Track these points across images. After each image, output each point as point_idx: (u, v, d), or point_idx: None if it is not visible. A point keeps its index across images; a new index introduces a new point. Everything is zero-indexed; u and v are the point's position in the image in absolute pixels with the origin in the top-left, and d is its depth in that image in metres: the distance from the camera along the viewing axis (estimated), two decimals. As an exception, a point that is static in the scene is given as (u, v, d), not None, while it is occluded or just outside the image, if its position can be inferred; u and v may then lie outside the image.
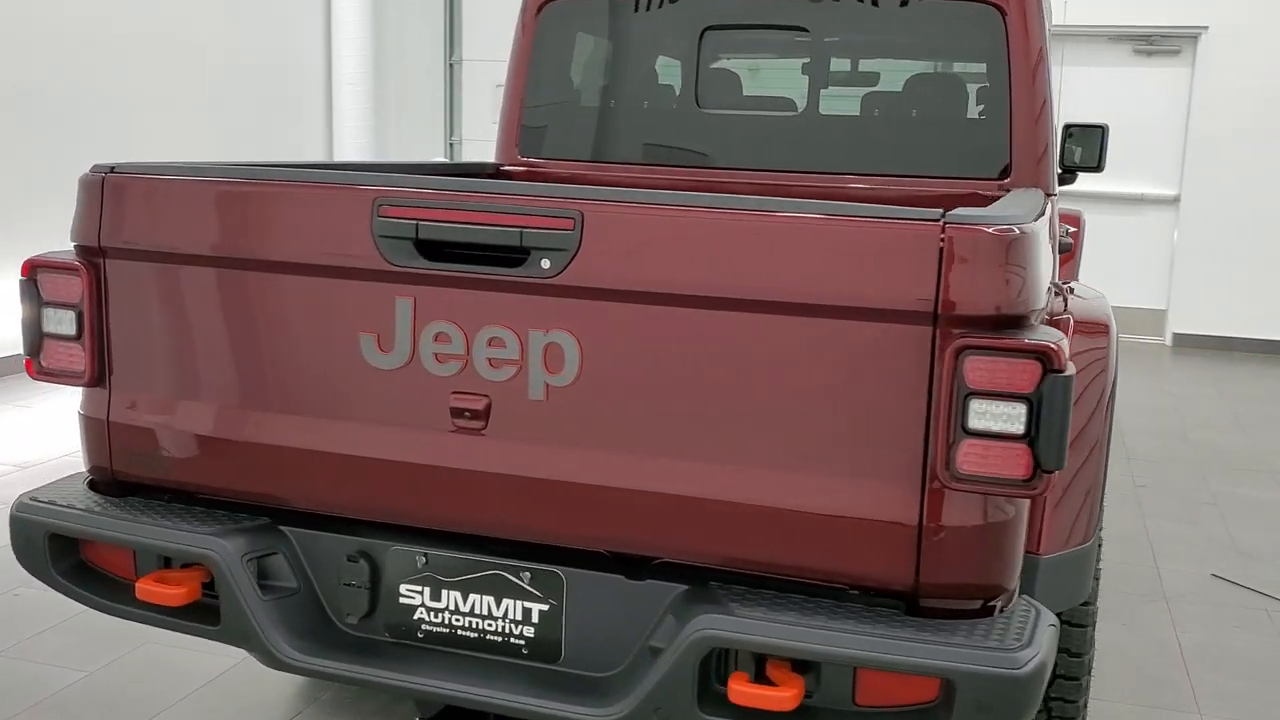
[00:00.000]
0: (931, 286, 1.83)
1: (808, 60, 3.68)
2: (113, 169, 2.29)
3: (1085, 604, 2.64)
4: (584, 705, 2.04)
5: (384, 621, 2.24)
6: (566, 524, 2.09)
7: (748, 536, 1.99)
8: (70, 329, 2.32)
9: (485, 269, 2.04)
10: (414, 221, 2.05)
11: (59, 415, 6.14)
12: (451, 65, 11.67)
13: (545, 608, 2.14)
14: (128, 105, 7.80)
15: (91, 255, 2.31)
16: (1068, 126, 3.98)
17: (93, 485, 2.44)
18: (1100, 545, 2.81)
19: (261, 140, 9.07)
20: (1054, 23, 5.46)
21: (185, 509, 2.34)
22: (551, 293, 2.01)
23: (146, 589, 2.23)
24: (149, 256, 2.27)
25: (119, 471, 2.38)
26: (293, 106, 9.64)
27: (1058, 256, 2.89)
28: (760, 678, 1.95)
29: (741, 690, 1.90)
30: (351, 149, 9.98)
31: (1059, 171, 3.76)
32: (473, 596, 2.18)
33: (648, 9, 3.72)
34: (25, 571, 2.39)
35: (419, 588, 2.21)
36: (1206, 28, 9.80)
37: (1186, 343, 10.21)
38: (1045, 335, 1.83)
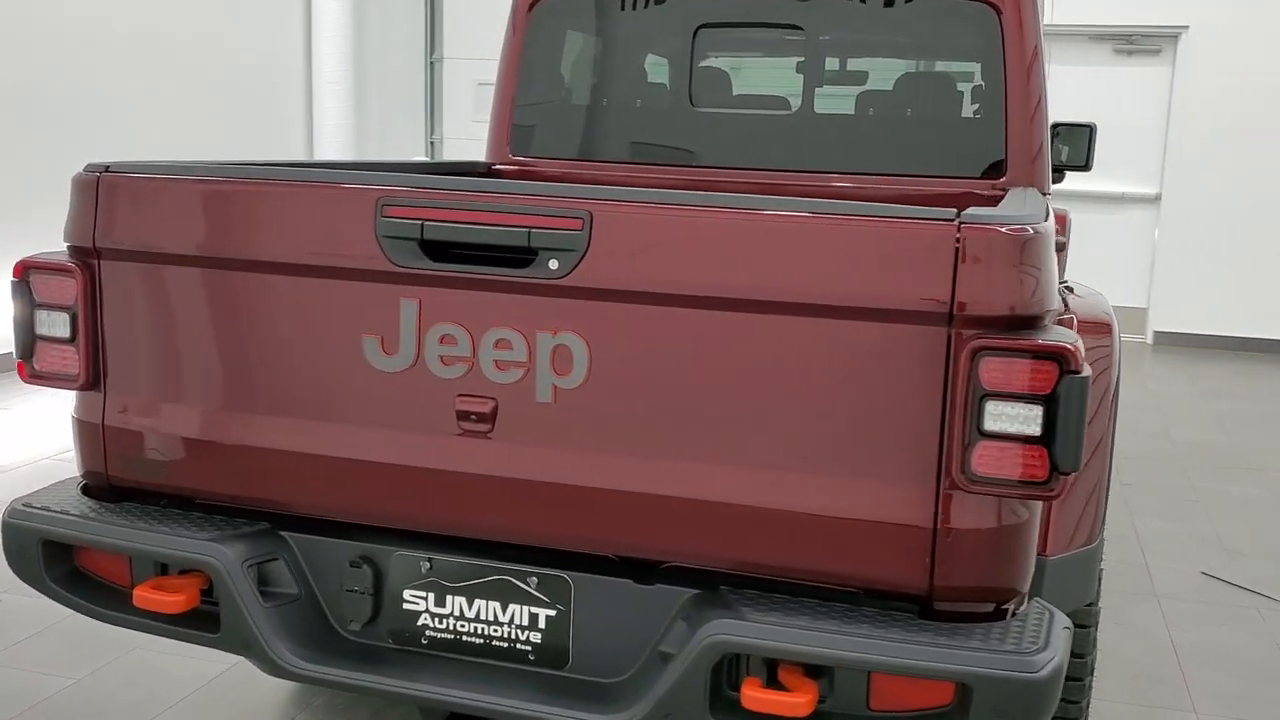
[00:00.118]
0: (947, 287, 1.81)
1: (802, 59, 3.67)
2: (108, 168, 2.25)
3: (1089, 605, 2.63)
4: (593, 711, 2.01)
5: (387, 628, 2.20)
6: (574, 528, 2.06)
7: (759, 540, 1.97)
8: (64, 331, 2.28)
9: (492, 270, 2.00)
10: (419, 221, 2.02)
11: (39, 417, 6.07)
12: (432, 63, 11.61)
13: (552, 613, 2.11)
14: (102, 104, 7.71)
15: (86, 256, 2.27)
16: (1054, 126, 3.98)
17: (86, 490, 2.39)
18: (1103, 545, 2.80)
19: (240, 139, 8.98)
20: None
21: (182, 514, 2.30)
22: (560, 294, 1.98)
23: (145, 596, 2.19)
24: (145, 257, 2.23)
25: (114, 476, 2.34)
26: (273, 104, 9.56)
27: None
28: (772, 683, 1.93)
29: (755, 696, 1.88)
30: (332, 147, 9.91)
31: (1047, 170, 3.76)
32: (478, 602, 2.15)
33: (645, 6, 3.69)
34: (10, 577, 2.34)
35: (423, 593, 2.17)
36: (1187, 27, 9.85)
37: (1167, 341, 10.26)
38: (1062, 336, 1.82)
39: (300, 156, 9.85)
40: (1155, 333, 10.32)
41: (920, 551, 1.90)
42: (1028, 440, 1.80)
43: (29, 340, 2.30)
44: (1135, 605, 4.25)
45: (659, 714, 1.94)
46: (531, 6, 3.79)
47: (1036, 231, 1.85)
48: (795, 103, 3.66)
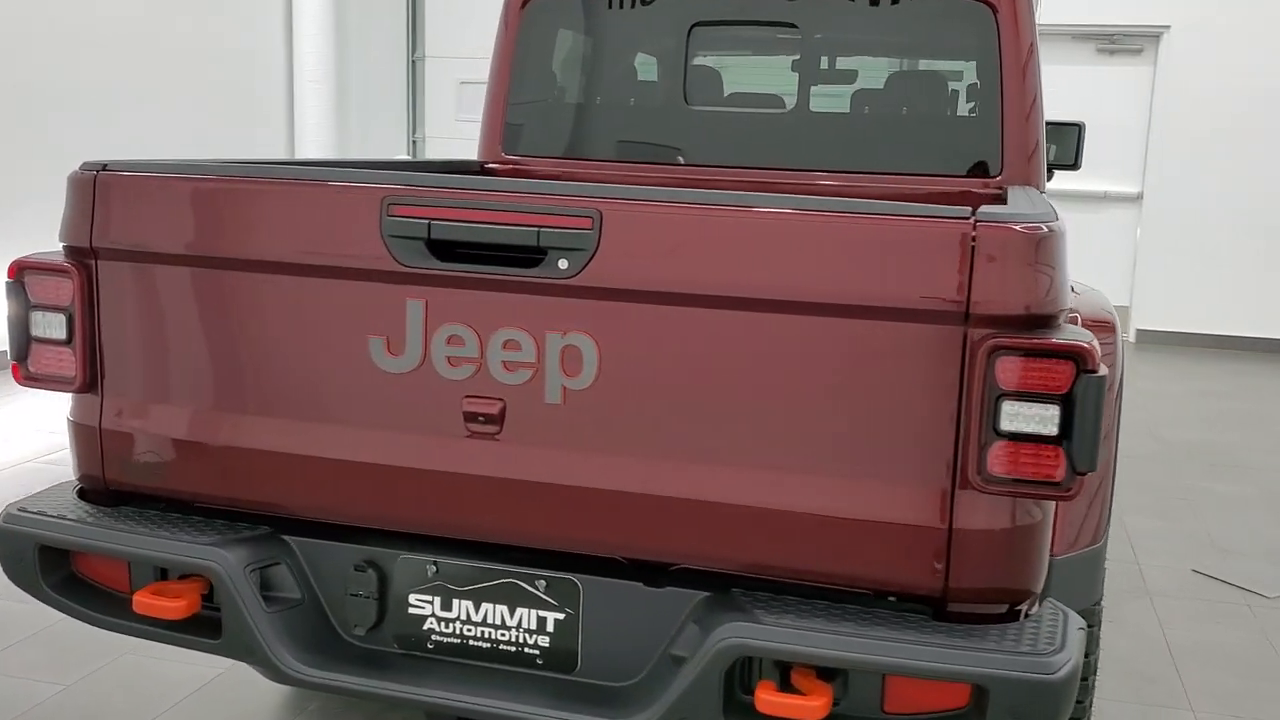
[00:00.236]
0: (962, 286, 1.80)
1: (797, 57, 3.65)
2: (104, 166, 2.21)
3: (1095, 604, 2.62)
4: (603, 716, 1.99)
5: (393, 632, 2.17)
6: (583, 530, 2.03)
7: (771, 542, 1.95)
8: (60, 333, 2.24)
9: (500, 269, 1.98)
10: (426, 221, 1.99)
11: (25, 418, 5.99)
12: (414, 62, 11.55)
13: (561, 616, 2.09)
14: (81, 101, 7.63)
15: (82, 256, 2.23)
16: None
17: (83, 494, 2.35)
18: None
19: (221, 137, 8.91)
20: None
21: (182, 518, 2.26)
22: (569, 294, 1.96)
23: (145, 602, 2.15)
24: (144, 258, 2.19)
25: (112, 480, 2.30)
26: (254, 103, 9.49)
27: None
28: (785, 686, 1.92)
29: (770, 699, 1.86)
30: (313, 146, 9.84)
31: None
32: (485, 605, 2.12)
33: (640, 5, 3.67)
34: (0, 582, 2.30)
35: (429, 597, 2.15)
36: (1169, 27, 9.90)
37: (1150, 339, 10.31)
38: (1078, 335, 1.80)
39: (282, 155, 9.78)
40: (1138, 331, 10.37)
41: (935, 553, 1.88)
42: (1045, 440, 1.79)
43: (24, 342, 2.26)
44: (1127, 603, 4.25)
45: (672, 718, 1.92)
46: (524, 5, 3.76)
47: (1051, 230, 1.84)
48: (790, 101, 3.65)
